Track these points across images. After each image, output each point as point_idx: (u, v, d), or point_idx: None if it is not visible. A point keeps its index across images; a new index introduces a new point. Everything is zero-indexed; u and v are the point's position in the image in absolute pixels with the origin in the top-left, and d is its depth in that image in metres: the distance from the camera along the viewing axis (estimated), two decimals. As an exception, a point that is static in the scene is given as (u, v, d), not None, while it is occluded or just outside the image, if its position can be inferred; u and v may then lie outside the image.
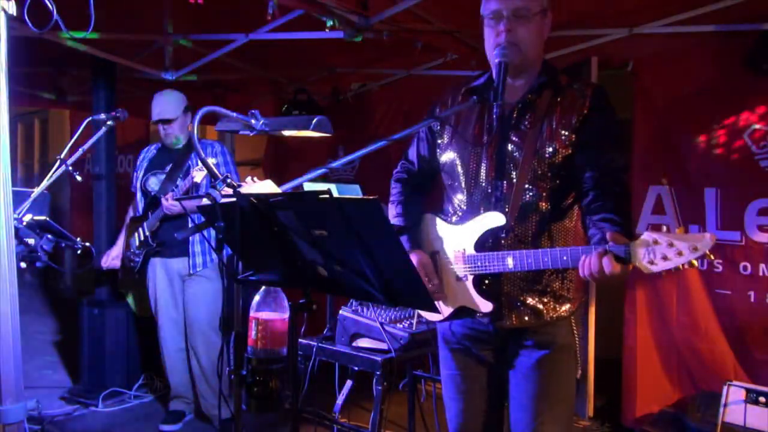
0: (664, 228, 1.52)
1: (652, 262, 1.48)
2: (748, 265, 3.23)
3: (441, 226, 1.93)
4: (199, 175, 3.22)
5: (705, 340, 3.38)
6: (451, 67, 4.06)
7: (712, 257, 1.52)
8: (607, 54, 3.66)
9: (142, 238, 3.67)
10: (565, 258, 1.63)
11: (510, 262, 1.73)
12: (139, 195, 3.78)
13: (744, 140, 3.23)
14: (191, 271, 3.61)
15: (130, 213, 3.92)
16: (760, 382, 3.10)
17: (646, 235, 1.49)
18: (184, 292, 3.68)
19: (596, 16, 3.27)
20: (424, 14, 3.24)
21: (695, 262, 1.47)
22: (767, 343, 3.18)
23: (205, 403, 3.72)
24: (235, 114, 1.69)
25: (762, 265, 3.18)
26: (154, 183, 3.69)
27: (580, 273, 1.59)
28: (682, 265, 1.47)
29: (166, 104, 3.64)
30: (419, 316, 2.76)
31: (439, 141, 1.98)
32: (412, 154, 2.10)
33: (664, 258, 1.47)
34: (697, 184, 3.38)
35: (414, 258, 1.88)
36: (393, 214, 2.06)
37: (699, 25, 3.19)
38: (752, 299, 3.22)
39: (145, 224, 3.64)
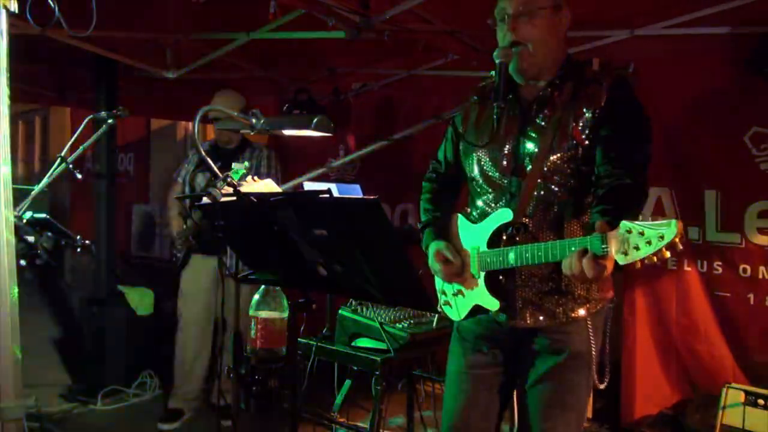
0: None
1: (625, 253, 1.37)
2: (748, 268, 3.22)
3: (464, 225, 1.93)
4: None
5: (704, 342, 3.37)
6: (451, 68, 4.05)
7: (680, 247, 1.33)
8: (608, 55, 3.65)
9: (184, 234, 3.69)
10: (554, 252, 1.57)
11: (511, 256, 1.71)
12: (187, 189, 3.82)
13: (744, 142, 3.23)
14: (232, 270, 3.60)
15: (170, 199, 3.97)
16: (759, 384, 3.10)
17: (623, 224, 1.38)
18: (224, 289, 3.67)
19: (597, 17, 3.27)
20: (425, 14, 3.24)
21: (667, 253, 1.33)
22: (766, 346, 3.19)
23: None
24: (236, 113, 1.69)
25: (762, 268, 3.18)
26: (201, 180, 3.75)
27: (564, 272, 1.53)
28: (653, 256, 1.34)
29: (226, 103, 3.69)
30: (431, 314, 2.75)
31: (461, 141, 1.98)
32: (440, 154, 2.12)
33: (636, 248, 1.36)
34: (697, 186, 3.38)
35: (434, 246, 1.90)
36: (421, 210, 2.08)
37: (700, 27, 3.18)
38: (752, 302, 3.21)
39: (188, 221, 3.65)
